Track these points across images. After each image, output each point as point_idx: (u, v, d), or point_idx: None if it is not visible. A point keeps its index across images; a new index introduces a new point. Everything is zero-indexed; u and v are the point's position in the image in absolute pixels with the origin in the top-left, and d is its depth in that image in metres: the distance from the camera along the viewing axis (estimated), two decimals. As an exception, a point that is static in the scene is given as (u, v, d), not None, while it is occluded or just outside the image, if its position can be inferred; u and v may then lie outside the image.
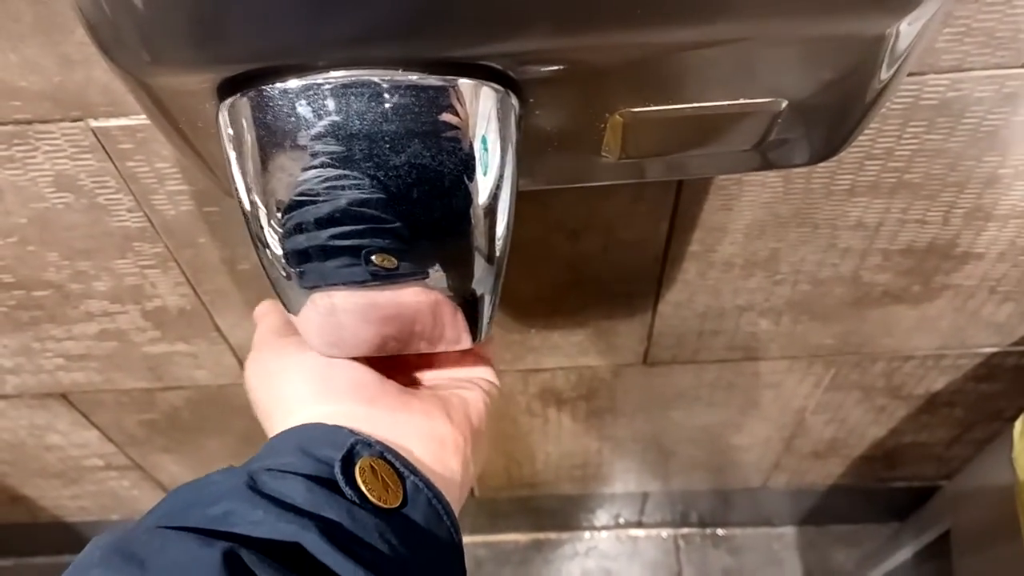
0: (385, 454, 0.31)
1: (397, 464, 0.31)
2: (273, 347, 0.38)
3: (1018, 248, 0.62)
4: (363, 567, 0.26)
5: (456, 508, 0.34)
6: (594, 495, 1.18)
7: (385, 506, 0.29)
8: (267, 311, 0.42)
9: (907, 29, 0.26)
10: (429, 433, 0.34)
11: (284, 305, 0.32)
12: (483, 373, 0.41)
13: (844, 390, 0.86)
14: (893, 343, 0.76)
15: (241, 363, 0.75)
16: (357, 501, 0.29)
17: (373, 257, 0.29)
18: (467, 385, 0.39)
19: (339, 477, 0.29)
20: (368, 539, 0.28)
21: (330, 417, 0.33)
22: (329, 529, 0.27)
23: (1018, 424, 0.71)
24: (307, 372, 0.35)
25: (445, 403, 0.36)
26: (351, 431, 0.32)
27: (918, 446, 1.00)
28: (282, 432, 0.32)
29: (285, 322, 0.39)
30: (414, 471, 0.32)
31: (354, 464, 0.30)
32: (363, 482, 0.29)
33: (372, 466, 0.30)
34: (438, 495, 0.32)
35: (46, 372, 0.76)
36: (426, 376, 0.41)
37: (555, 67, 0.26)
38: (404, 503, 0.30)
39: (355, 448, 0.30)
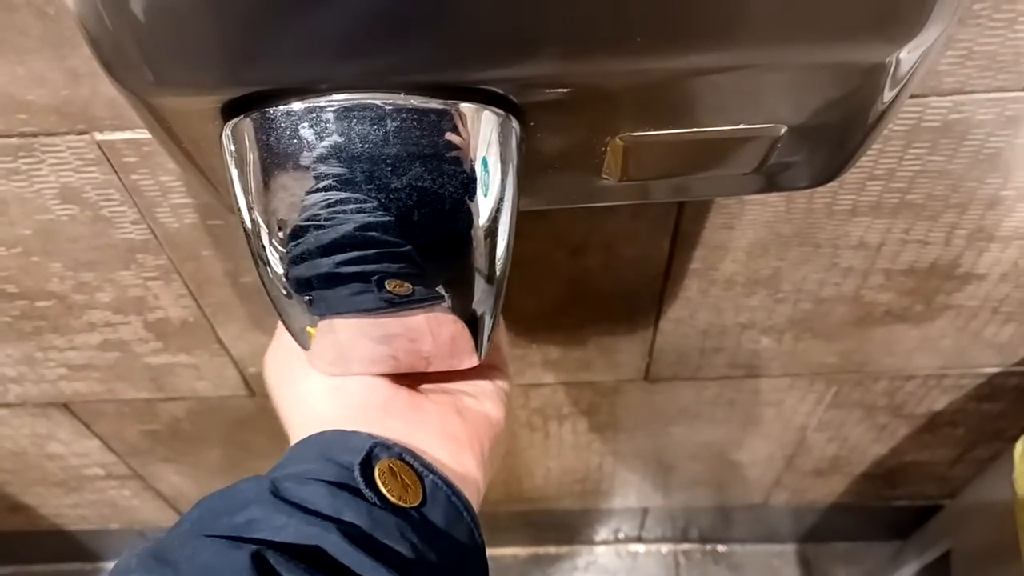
0: (403, 455, 0.32)
1: (415, 464, 0.32)
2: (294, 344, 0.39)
3: (1020, 269, 0.62)
4: (384, 565, 0.27)
5: (475, 505, 0.35)
6: (594, 510, 1.17)
7: (405, 505, 0.30)
8: None
9: (907, 57, 0.26)
10: (443, 432, 0.35)
11: (284, 324, 0.33)
12: (496, 376, 0.42)
13: (846, 408, 0.85)
14: (895, 362, 0.76)
15: (243, 375, 0.75)
16: (377, 502, 0.30)
17: (374, 278, 0.29)
18: (481, 382, 0.40)
19: (359, 480, 0.30)
20: (389, 538, 0.29)
21: (349, 422, 0.33)
22: (350, 531, 0.28)
23: (1019, 445, 0.70)
24: (325, 379, 0.36)
25: (457, 402, 0.37)
26: (369, 435, 0.32)
27: (920, 465, 0.99)
28: (304, 439, 0.34)
29: None
30: (432, 470, 0.32)
31: (373, 467, 0.31)
32: (382, 483, 0.30)
33: (391, 467, 0.31)
34: (456, 492, 0.33)
35: (48, 382, 0.76)
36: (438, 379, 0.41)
37: (556, 92, 0.26)
38: (423, 502, 0.31)
39: (373, 451, 0.31)
